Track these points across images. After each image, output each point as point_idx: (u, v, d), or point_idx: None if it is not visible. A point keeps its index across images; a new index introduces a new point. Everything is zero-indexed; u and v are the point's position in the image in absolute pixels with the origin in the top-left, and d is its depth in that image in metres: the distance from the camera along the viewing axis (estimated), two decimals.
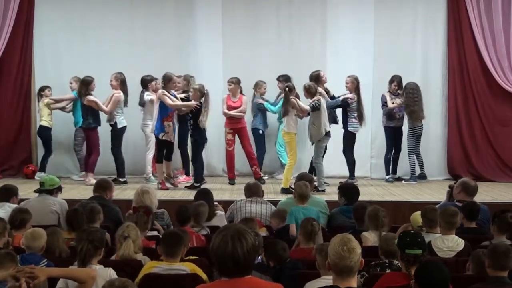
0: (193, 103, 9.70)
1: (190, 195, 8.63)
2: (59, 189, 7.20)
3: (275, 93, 11.04)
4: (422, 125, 10.75)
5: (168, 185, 9.92)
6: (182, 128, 10.12)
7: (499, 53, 11.17)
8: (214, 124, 10.53)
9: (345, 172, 10.59)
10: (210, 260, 3.89)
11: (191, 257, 4.99)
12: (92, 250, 4.47)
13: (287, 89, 9.63)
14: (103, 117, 10.35)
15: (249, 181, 7.82)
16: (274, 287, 3.33)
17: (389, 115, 10.76)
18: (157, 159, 9.97)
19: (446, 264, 4.35)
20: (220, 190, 9.61)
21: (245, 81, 10.62)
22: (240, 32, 11.52)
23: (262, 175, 10.45)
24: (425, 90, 10.91)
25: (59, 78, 11.15)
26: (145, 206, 6.14)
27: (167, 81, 9.79)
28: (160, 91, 9.78)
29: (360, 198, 7.40)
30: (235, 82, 10.39)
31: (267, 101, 10.93)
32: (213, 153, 11.15)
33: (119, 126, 10.29)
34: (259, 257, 5.08)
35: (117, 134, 10.33)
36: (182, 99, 9.98)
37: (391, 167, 10.94)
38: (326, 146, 10.05)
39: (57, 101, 10.81)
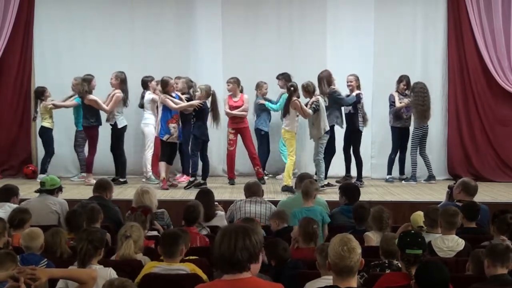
0: (196, 101, 9.74)
1: (190, 195, 8.64)
2: (59, 189, 7.21)
3: (276, 93, 11.04)
4: (427, 125, 10.70)
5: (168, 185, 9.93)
6: (186, 129, 10.12)
7: (499, 53, 11.18)
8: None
9: (344, 172, 10.62)
10: (210, 260, 3.90)
11: (191, 257, 4.98)
12: (92, 250, 4.47)
13: (292, 88, 9.62)
14: (103, 116, 10.34)
15: (248, 181, 7.80)
16: (274, 287, 3.34)
17: (397, 115, 10.69)
18: (160, 158, 9.97)
19: (446, 264, 4.35)
20: (220, 190, 9.60)
21: (245, 81, 10.62)
22: (240, 32, 11.52)
23: (264, 175, 10.45)
24: None
25: (59, 78, 11.13)
26: (144, 206, 6.14)
27: (165, 85, 9.79)
28: (162, 95, 9.80)
29: (360, 198, 7.40)
30: (234, 82, 10.38)
31: (269, 100, 10.92)
32: (213, 153, 11.14)
33: (119, 126, 10.27)
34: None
35: (118, 134, 10.32)
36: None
37: (398, 167, 10.88)
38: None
39: (58, 106, 10.72)
